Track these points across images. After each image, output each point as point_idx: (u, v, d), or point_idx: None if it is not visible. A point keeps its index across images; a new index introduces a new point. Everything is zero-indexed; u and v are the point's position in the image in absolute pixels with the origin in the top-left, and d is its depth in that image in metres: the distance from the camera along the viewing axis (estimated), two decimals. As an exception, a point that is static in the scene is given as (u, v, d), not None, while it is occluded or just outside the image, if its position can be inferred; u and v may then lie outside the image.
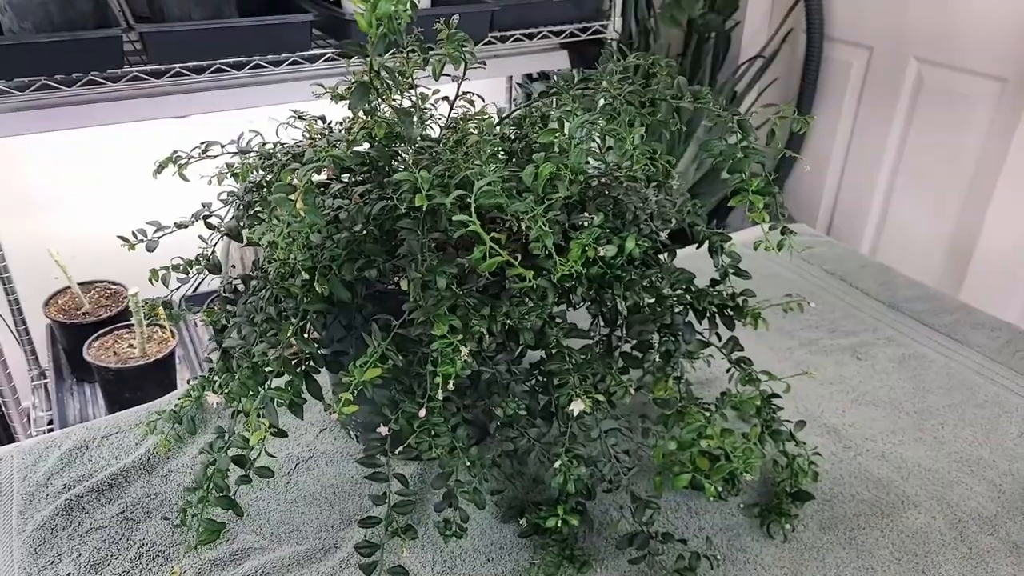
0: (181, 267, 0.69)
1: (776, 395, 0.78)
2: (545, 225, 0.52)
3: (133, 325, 1.71)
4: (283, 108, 1.61)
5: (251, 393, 0.58)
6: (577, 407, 0.64)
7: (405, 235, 0.59)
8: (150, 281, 0.69)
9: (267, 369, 0.58)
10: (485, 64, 0.68)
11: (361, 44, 0.56)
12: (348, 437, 0.84)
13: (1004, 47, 1.61)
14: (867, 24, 1.94)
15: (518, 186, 0.55)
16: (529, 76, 2.08)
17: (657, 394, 0.72)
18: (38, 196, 1.80)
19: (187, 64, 1.27)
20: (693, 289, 0.77)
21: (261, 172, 0.68)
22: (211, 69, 1.29)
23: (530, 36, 1.57)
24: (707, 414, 0.71)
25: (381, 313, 0.65)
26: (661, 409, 0.73)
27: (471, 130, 0.62)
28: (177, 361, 1.72)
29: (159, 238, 0.71)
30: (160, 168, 0.68)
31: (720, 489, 0.72)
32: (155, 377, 1.64)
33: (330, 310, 0.62)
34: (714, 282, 0.79)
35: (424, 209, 0.58)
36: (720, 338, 0.79)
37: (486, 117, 0.63)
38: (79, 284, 1.78)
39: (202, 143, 0.69)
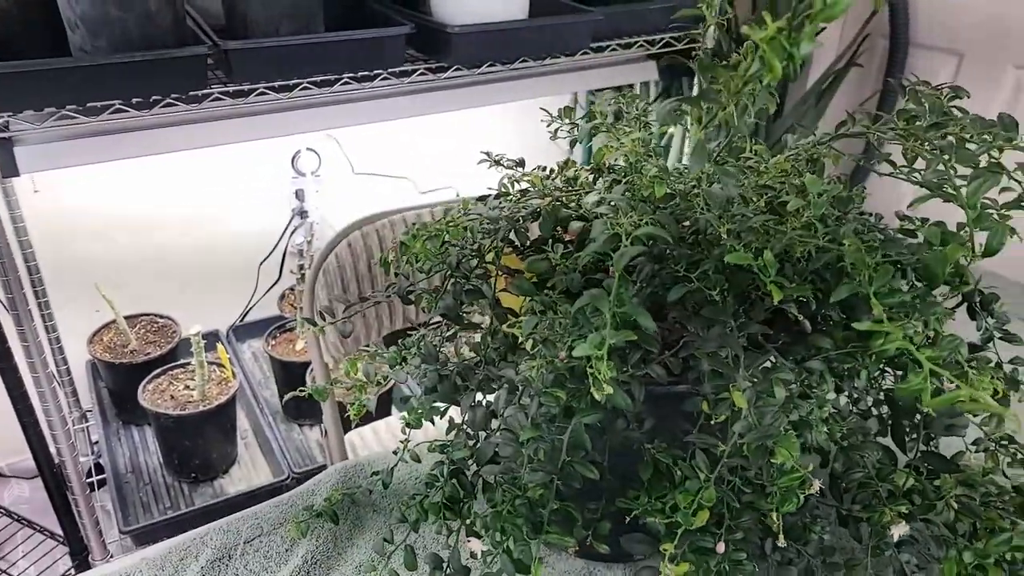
0: (388, 356, 0.56)
1: (1057, 484, 0.66)
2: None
3: (186, 364, 1.57)
4: (359, 127, 1.48)
5: (526, 537, 0.44)
6: (899, 531, 0.51)
7: (709, 327, 0.46)
8: (347, 374, 0.56)
9: (542, 508, 0.45)
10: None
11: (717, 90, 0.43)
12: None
13: None
14: (957, 29, 1.83)
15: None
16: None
17: (950, 494, 0.60)
18: (68, 219, 1.65)
19: (272, 83, 1.14)
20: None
21: (479, 235, 0.54)
22: (298, 88, 1.15)
23: (627, 46, 1.44)
24: (1013, 520, 0.59)
25: (649, 417, 0.52)
26: (957, 514, 0.60)
27: (766, 186, 0.49)
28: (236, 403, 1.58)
29: (350, 317, 0.57)
30: (405, 248, 0.54)
31: (1023, 609, 0.60)
32: (217, 422, 1.50)
33: (602, 420, 0.49)
34: (974, 348, 0.67)
35: (732, 292, 0.46)
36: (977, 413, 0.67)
37: (813, 176, 0.49)
38: (124, 318, 1.63)
39: (439, 206, 0.56)
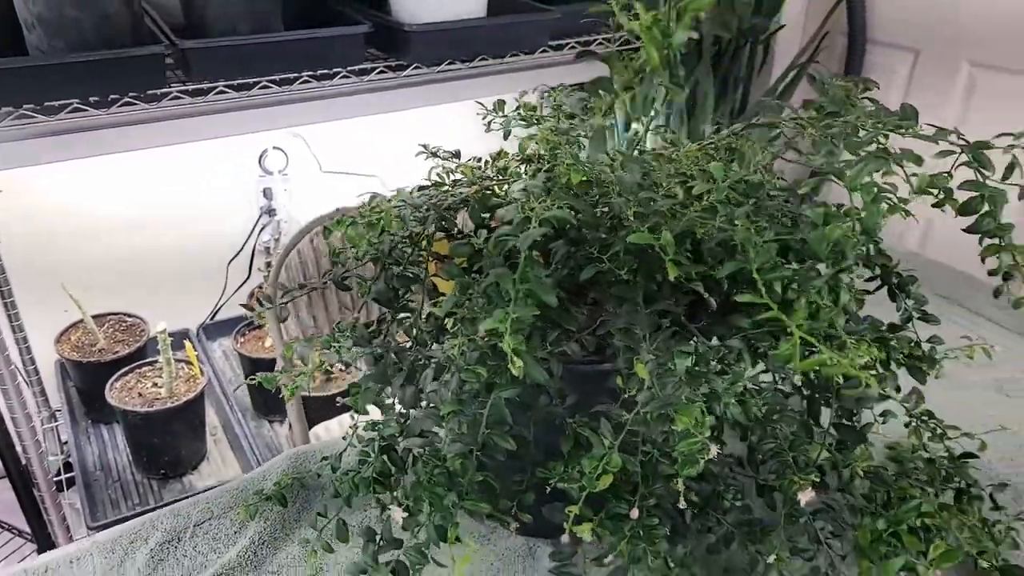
0: (325, 339, 0.58)
1: (971, 455, 0.70)
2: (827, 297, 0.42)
3: (155, 362, 1.58)
4: (327, 126, 1.50)
5: (445, 505, 0.47)
6: (806, 497, 0.54)
7: (621, 305, 0.49)
8: (284, 356, 0.58)
9: (462, 476, 0.47)
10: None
11: (609, 79, 0.46)
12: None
13: (1072, 50, 1.55)
14: (913, 26, 1.88)
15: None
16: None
17: (861, 464, 0.63)
18: (36, 220, 1.65)
19: (231, 82, 1.15)
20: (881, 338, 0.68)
21: (411, 223, 0.57)
22: (257, 86, 1.17)
23: (585, 44, 1.47)
24: (922, 489, 0.62)
25: (572, 394, 0.54)
26: (872, 484, 0.63)
27: (682, 173, 0.52)
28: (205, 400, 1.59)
29: (286, 303, 0.59)
30: (328, 233, 0.56)
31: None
32: (185, 419, 1.51)
33: (521, 394, 0.51)
34: (894, 327, 0.71)
35: (640, 273, 0.49)
36: (899, 390, 0.70)
37: (717, 162, 0.52)
38: (92, 317, 1.64)
39: (367, 194, 0.58)
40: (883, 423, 0.65)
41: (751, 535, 0.59)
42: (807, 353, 0.39)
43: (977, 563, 0.69)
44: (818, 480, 0.57)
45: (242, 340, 1.71)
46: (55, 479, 1.58)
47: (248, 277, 1.84)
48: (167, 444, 1.50)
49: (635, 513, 0.51)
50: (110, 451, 1.60)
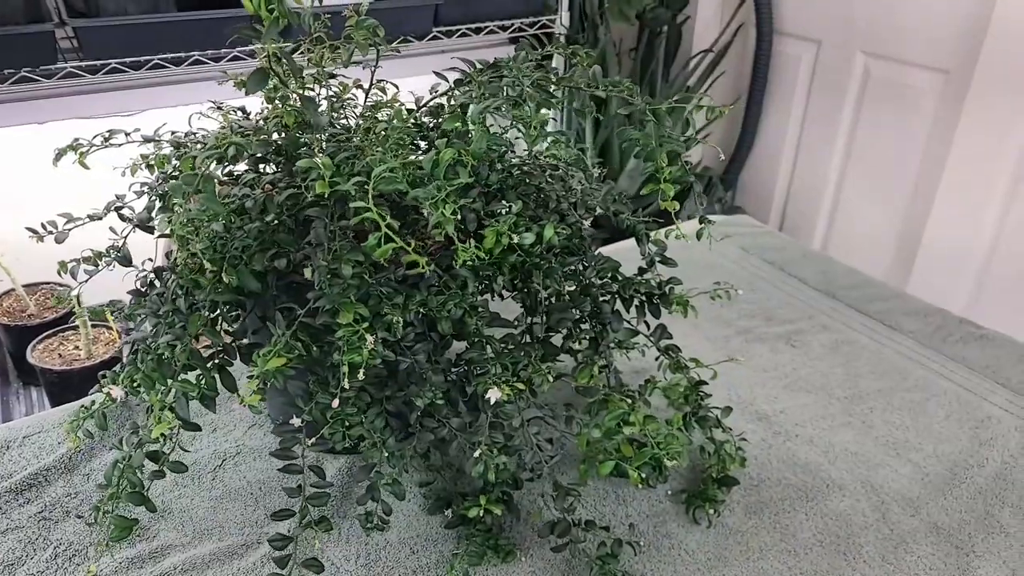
0: (91, 259, 0.68)
1: (703, 382, 0.79)
2: (449, 212, 0.51)
3: (78, 326, 1.68)
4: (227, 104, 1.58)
5: (156, 386, 0.57)
6: (494, 395, 0.63)
7: (314, 223, 0.58)
8: (58, 273, 0.68)
9: (173, 362, 0.57)
10: (400, 51, 0.68)
11: (258, 28, 0.56)
12: (278, 432, 0.84)
13: (946, 39, 1.64)
14: (815, 19, 1.97)
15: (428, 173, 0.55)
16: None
17: (580, 382, 0.72)
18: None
19: (124, 60, 1.25)
20: (620, 278, 0.78)
21: (175, 162, 0.67)
22: (149, 65, 1.27)
23: (476, 31, 1.56)
24: (630, 401, 0.72)
25: (294, 303, 0.64)
26: (585, 397, 0.73)
27: (382, 118, 0.62)
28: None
29: (69, 230, 0.69)
30: (59, 156, 0.66)
31: (645, 476, 0.72)
32: (102, 379, 1.61)
33: (241, 301, 0.61)
34: (641, 270, 0.80)
35: (332, 197, 0.58)
36: (648, 326, 0.79)
37: (398, 105, 0.62)
38: (23, 286, 1.74)
39: (107, 131, 0.68)
40: (618, 348, 0.74)
41: (470, 435, 0.69)
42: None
43: (705, 472, 0.79)
44: (523, 387, 0.66)
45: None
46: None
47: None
48: (85, 402, 1.60)
49: (335, 403, 0.61)
50: (36, 409, 1.70)
